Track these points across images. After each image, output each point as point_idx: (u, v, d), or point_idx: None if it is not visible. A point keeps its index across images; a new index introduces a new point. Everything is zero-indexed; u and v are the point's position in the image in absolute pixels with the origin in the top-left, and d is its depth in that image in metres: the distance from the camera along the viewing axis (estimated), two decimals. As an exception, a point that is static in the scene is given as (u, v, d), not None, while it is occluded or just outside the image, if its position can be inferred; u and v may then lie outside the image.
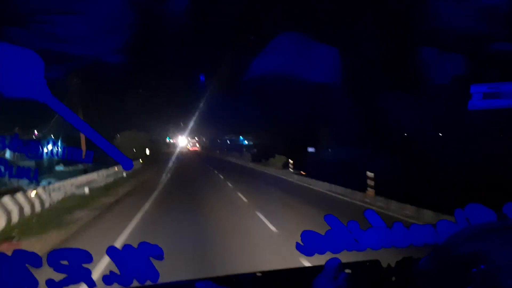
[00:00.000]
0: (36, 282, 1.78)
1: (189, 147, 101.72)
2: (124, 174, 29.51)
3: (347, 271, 2.02)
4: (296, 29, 61.34)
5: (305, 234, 2.05)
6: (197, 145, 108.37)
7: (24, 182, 16.46)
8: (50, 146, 1.92)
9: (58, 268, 1.81)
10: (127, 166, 1.98)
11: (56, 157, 1.89)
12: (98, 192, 21.37)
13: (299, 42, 63.15)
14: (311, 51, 62.45)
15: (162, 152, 73.11)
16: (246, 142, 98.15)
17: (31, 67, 1.77)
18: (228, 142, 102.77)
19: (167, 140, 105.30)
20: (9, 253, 1.78)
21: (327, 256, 2.03)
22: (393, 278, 2.12)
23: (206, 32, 65.24)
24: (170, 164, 44.06)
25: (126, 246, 1.90)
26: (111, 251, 1.88)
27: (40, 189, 15.91)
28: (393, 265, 2.18)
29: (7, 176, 1.85)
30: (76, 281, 1.82)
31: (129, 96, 65.79)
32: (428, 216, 14.04)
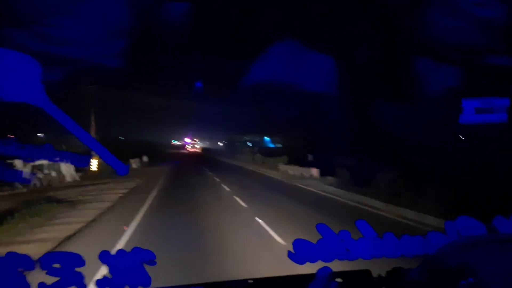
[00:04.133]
0: (27, 285, 1.78)
1: (190, 148, 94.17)
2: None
3: (338, 280, 2.04)
4: (291, 37, 61.53)
5: (297, 243, 2.06)
6: (197, 146, 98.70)
7: None
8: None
9: (50, 271, 1.81)
10: (122, 171, 1.98)
11: (52, 161, 1.89)
12: None
13: (295, 50, 63.44)
14: (306, 60, 62.73)
15: (160, 155, 59.61)
16: (272, 144, 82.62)
17: (28, 72, 1.78)
18: (249, 144, 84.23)
19: (172, 142, 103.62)
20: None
21: (319, 264, 2.05)
22: None
23: (206, 37, 65.15)
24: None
25: (119, 251, 1.90)
26: (104, 256, 1.88)
27: None
28: (383, 275, 2.20)
29: None
30: (68, 285, 1.82)
31: (130, 100, 65.40)
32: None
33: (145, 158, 43.78)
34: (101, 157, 1.88)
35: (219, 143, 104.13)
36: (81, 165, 1.96)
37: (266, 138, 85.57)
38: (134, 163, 38.93)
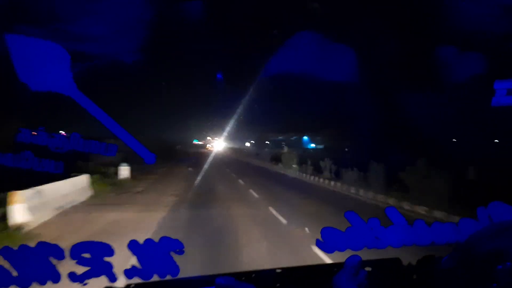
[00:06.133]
0: (58, 275, 1.81)
1: (211, 148, 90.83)
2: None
3: (368, 268, 2.01)
4: (313, 28, 60.84)
5: (326, 231, 2.04)
6: (218, 146, 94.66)
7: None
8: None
9: (80, 261, 1.83)
10: (149, 160, 2.00)
11: (79, 150, 1.90)
12: None
13: (317, 41, 62.67)
14: (329, 49, 61.95)
15: (172, 157, 42.81)
16: (313, 144, 71.96)
17: (57, 61, 1.80)
18: (284, 144, 71.03)
19: (194, 142, 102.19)
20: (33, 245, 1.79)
21: (347, 253, 2.02)
22: (414, 277, 2.10)
23: (224, 31, 64.92)
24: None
25: (148, 240, 1.92)
26: (133, 245, 1.90)
27: None
28: (414, 263, 2.16)
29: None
30: (98, 274, 1.84)
31: (149, 96, 65.64)
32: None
33: (123, 171, 23.14)
34: (129, 146, 1.90)
35: (246, 143, 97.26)
36: (109, 154, 1.96)
37: (305, 137, 75.71)
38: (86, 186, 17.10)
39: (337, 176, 25.66)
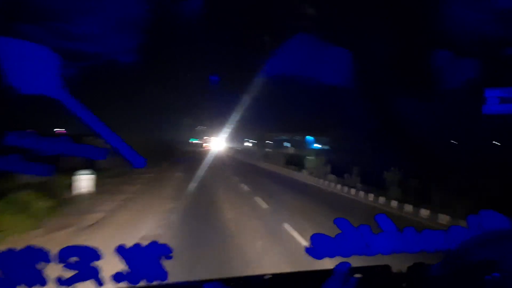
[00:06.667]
0: (44, 279, 1.79)
1: (208, 147, 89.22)
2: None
3: (357, 275, 2.01)
4: (308, 31, 60.82)
5: (315, 237, 2.03)
6: (211, 145, 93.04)
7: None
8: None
9: (67, 265, 1.81)
10: (139, 164, 1.98)
11: (69, 154, 1.88)
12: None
13: (312, 44, 62.63)
14: (324, 53, 61.94)
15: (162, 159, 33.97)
16: (318, 145, 67.02)
17: (46, 64, 1.78)
18: (288, 144, 70.14)
19: (190, 141, 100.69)
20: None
21: (337, 260, 2.02)
22: (404, 284, 2.10)
23: (222, 31, 64.72)
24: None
25: (136, 245, 1.90)
26: (121, 250, 1.88)
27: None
28: (404, 270, 2.16)
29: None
30: (85, 279, 1.83)
31: (145, 96, 65.21)
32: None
33: (82, 181, 15.78)
34: (118, 150, 1.88)
35: (246, 143, 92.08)
36: (100, 157, 1.94)
37: (308, 137, 69.86)
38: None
39: (420, 198, 16.41)
